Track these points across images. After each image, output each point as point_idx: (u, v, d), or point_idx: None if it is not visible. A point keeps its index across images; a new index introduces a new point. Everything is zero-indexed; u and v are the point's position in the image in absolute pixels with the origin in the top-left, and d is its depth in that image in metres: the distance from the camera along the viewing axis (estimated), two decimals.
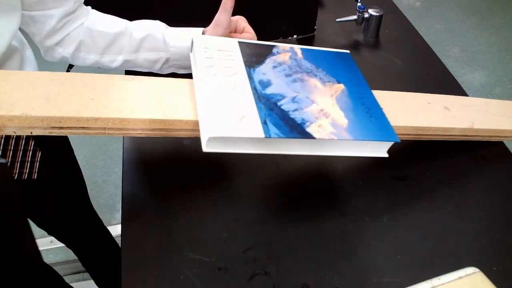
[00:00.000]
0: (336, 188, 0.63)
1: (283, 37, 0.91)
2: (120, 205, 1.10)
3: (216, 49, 0.56)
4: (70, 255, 1.02)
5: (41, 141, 0.66)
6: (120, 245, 0.56)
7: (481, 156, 0.68)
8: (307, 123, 0.50)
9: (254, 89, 0.52)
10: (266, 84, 0.53)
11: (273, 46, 0.60)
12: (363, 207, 0.59)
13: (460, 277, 0.39)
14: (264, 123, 0.48)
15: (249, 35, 0.64)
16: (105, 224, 0.98)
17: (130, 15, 0.65)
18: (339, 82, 0.58)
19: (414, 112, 0.61)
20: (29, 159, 0.64)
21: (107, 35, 0.62)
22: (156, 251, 0.53)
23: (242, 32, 0.65)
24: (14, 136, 0.62)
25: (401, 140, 0.53)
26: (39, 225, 0.82)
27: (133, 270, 0.51)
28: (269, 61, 0.58)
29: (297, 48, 0.62)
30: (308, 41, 0.92)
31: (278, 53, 0.59)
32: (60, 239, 0.92)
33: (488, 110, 0.67)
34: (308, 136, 0.49)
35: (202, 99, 0.49)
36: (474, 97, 0.70)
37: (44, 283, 0.65)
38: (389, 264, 0.53)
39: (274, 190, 0.61)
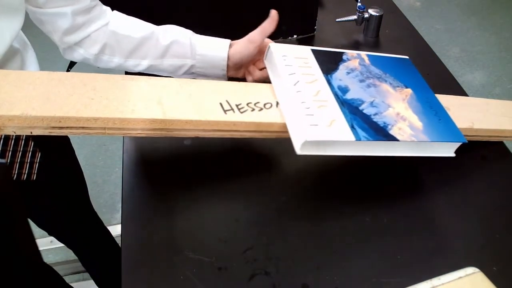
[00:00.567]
0: (336, 188, 0.63)
1: (283, 37, 0.91)
2: (120, 205, 1.10)
3: (293, 56, 0.58)
4: (70, 255, 1.02)
5: (41, 142, 0.65)
6: (120, 245, 0.56)
7: (481, 156, 0.68)
8: (389, 126, 0.53)
9: (336, 94, 0.54)
10: (344, 90, 0.56)
11: (343, 52, 0.63)
12: (363, 207, 0.59)
13: (460, 277, 0.39)
14: (352, 127, 0.51)
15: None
16: (105, 224, 0.98)
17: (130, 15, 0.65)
18: (406, 87, 0.61)
19: None
20: (28, 160, 0.64)
21: (133, 39, 0.61)
22: (156, 251, 0.53)
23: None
24: (13, 137, 0.61)
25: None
26: (39, 225, 0.82)
27: (133, 270, 0.51)
28: (342, 67, 0.60)
29: (363, 54, 0.64)
30: (308, 41, 0.92)
31: (348, 59, 0.62)
32: (60, 239, 0.92)
33: (488, 110, 0.67)
34: (392, 138, 0.52)
35: (291, 105, 0.52)
36: (474, 97, 0.70)
37: (44, 283, 0.65)
38: (389, 264, 0.53)
39: (274, 190, 0.61)
